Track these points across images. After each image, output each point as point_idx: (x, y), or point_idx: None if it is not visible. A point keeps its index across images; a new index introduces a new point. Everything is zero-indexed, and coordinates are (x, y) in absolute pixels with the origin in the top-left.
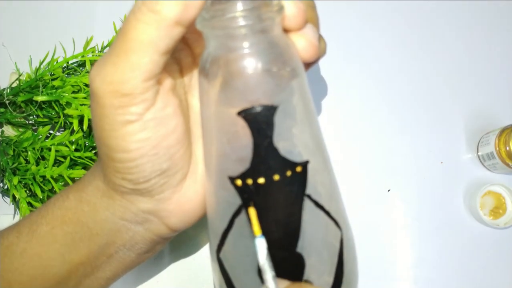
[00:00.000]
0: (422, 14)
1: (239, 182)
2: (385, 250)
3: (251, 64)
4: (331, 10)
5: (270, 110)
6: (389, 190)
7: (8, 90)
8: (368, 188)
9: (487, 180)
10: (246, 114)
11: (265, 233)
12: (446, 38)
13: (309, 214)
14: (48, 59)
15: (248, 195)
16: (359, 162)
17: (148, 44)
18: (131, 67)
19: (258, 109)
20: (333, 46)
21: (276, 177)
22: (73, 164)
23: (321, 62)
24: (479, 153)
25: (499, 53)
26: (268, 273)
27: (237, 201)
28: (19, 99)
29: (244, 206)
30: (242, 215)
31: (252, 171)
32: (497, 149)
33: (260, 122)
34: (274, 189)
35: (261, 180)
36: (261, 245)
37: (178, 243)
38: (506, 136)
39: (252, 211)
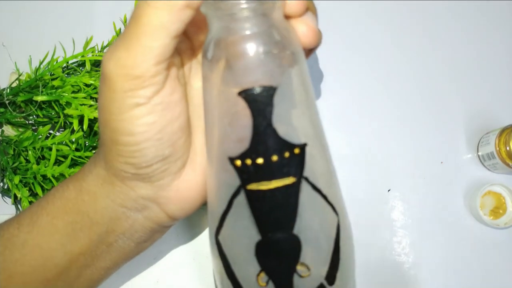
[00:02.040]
0: (422, 14)
1: (238, 162)
2: (385, 250)
3: (252, 45)
4: (335, 6)
5: (270, 91)
6: (389, 190)
7: (8, 90)
8: (368, 188)
9: (487, 180)
10: (246, 95)
11: (263, 214)
12: (446, 38)
13: (306, 196)
14: (48, 59)
15: (247, 175)
16: (359, 162)
17: (160, 28)
18: (143, 51)
19: (258, 89)
20: (333, 46)
21: (275, 157)
22: (73, 164)
23: (322, 61)
24: (479, 153)
25: (499, 53)
26: None
27: (236, 182)
28: (19, 99)
29: (243, 186)
30: (241, 195)
31: (251, 152)
32: (497, 149)
33: (259, 102)
34: (272, 170)
35: (259, 161)
36: None
37: (178, 243)
38: (506, 136)
39: None
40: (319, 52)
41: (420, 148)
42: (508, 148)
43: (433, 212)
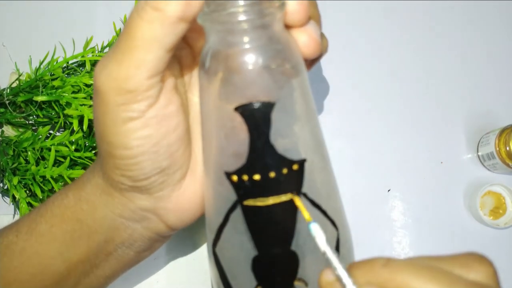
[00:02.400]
0: (422, 14)
1: (235, 177)
2: (385, 250)
3: (250, 60)
4: (334, 8)
5: (268, 107)
6: (389, 190)
7: (8, 90)
8: (368, 188)
9: (487, 180)
10: (243, 110)
11: (260, 230)
12: (446, 38)
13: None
14: (48, 59)
15: (244, 191)
16: (359, 162)
17: (153, 41)
18: (136, 64)
19: (256, 105)
20: (334, 46)
21: (272, 174)
22: (73, 164)
23: (322, 62)
24: (479, 153)
25: (499, 53)
26: (333, 257)
27: (233, 196)
28: (19, 99)
29: (240, 201)
30: (238, 210)
31: (247, 167)
32: (497, 149)
33: (257, 118)
34: (270, 186)
35: (256, 177)
36: (316, 230)
37: (177, 243)
38: (506, 136)
39: (297, 201)
40: None
41: (420, 148)
42: (508, 148)
43: (433, 212)
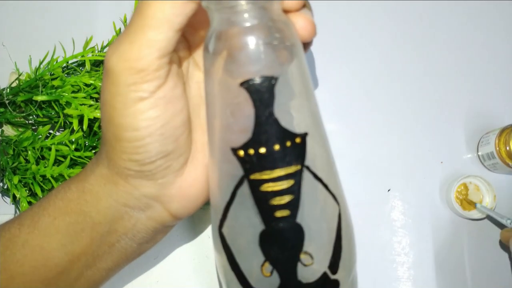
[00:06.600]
0: (422, 13)
1: (241, 152)
2: (385, 250)
3: (252, 37)
4: (336, 3)
5: (271, 81)
6: (389, 190)
7: (8, 90)
8: (368, 188)
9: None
10: (248, 85)
11: (267, 203)
12: (446, 38)
13: (308, 185)
14: (48, 59)
15: (250, 165)
16: (359, 162)
17: (164, 20)
18: (147, 44)
19: (260, 80)
20: (333, 45)
21: (277, 147)
22: (73, 164)
23: (322, 61)
24: (479, 153)
25: (499, 53)
26: None
27: (239, 172)
28: (19, 98)
29: (246, 176)
30: (244, 185)
31: (253, 141)
32: (497, 149)
33: (261, 92)
34: (275, 159)
35: (262, 150)
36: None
37: (178, 243)
38: (506, 136)
39: None
40: (319, 51)
41: (420, 148)
42: (508, 148)
43: (433, 212)
